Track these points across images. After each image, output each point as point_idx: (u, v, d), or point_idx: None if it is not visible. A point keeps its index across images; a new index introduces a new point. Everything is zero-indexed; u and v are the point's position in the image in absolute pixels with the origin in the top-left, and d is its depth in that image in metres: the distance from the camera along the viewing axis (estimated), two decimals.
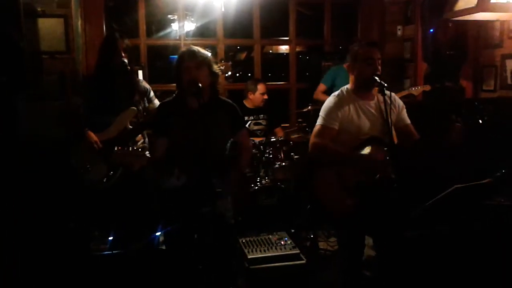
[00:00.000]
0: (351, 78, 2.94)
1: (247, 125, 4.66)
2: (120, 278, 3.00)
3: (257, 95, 4.68)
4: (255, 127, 4.72)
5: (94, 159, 3.30)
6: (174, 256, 2.84)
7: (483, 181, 2.39)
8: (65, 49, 3.98)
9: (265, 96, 4.69)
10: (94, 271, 3.07)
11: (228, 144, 2.90)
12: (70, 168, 3.35)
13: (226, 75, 3.99)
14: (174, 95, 2.92)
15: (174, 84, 2.90)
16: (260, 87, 4.68)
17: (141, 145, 3.56)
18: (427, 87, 4.48)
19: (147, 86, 3.66)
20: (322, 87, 4.72)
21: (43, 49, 3.92)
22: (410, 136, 2.96)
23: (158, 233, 2.84)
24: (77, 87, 3.89)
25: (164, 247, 3.02)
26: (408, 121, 3.00)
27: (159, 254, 3.06)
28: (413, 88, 4.48)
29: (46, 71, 3.92)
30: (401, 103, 3.01)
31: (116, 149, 3.13)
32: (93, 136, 3.31)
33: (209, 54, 2.87)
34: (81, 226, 3.42)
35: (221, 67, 3.76)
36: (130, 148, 3.24)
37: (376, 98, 2.90)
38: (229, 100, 2.99)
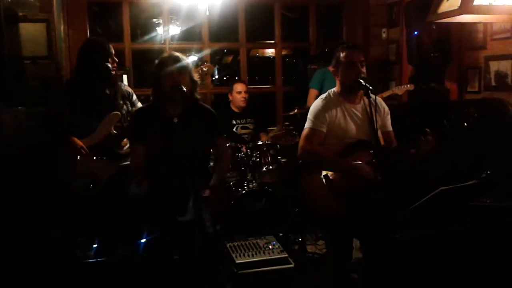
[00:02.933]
0: (337, 81, 2.95)
1: (234, 129, 4.65)
2: (105, 285, 2.97)
3: (234, 94, 4.69)
4: (243, 131, 4.70)
5: (79, 165, 3.26)
6: (155, 264, 2.81)
7: (469, 183, 2.39)
8: (47, 54, 3.93)
9: (243, 95, 4.66)
10: (79, 278, 3.03)
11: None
12: (54, 174, 3.30)
13: (212, 78, 3.98)
14: (151, 100, 2.89)
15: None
16: (236, 87, 4.68)
17: (126, 150, 3.52)
18: (411, 87, 4.51)
19: (129, 89, 3.63)
20: (314, 92, 4.68)
21: (25, 54, 3.86)
22: (389, 143, 3.00)
23: (142, 240, 2.81)
24: (61, 92, 3.83)
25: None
26: (390, 128, 3.03)
27: (144, 261, 3.02)
28: (397, 88, 4.51)
29: (29, 76, 3.87)
30: (386, 108, 3.03)
31: (81, 158, 3.14)
32: (78, 141, 3.26)
33: (195, 59, 2.86)
34: (66, 233, 3.37)
35: (204, 68, 3.75)
36: (99, 157, 3.23)
37: (362, 101, 2.91)
38: (208, 106, 2.99)
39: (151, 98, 2.88)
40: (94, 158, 3.26)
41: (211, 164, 3.40)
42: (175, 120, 2.70)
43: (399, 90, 4.48)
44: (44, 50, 3.91)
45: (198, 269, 2.76)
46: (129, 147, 3.53)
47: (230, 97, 4.74)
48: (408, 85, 4.53)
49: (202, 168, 2.83)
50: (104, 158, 3.30)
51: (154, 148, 2.75)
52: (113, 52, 3.42)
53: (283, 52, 6.21)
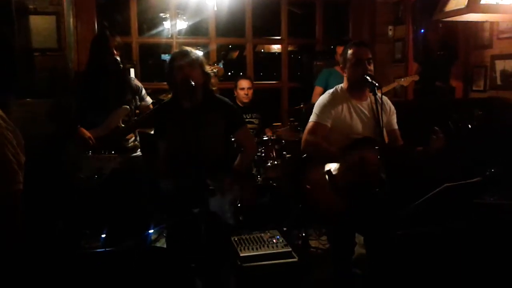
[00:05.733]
0: (345, 78, 2.97)
1: None
2: (112, 276, 3.00)
3: (238, 91, 4.72)
4: (248, 126, 4.72)
5: (86, 156, 3.29)
6: (168, 255, 2.84)
7: (473, 180, 2.41)
8: (56, 46, 3.95)
9: (246, 91, 4.68)
10: (85, 269, 3.06)
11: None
12: (61, 165, 3.33)
13: (221, 79, 4.00)
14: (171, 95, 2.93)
15: (165, 83, 2.91)
16: (240, 83, 4.71)
17: (132, 144, 3.56)
18: (416, 77, 4.51)
19: (139, 84, 3.65)
20: (318, 89, 4.69)
21: (34, 46, 3.89)
22: (394, 141, 3.01)
23: (150, 231, 2.84)
24: (69, 84, 3.87)
25: (156, 245, 3.03)
26: (396, 126, 3.04)
27: (152, 252, 3.06)
28: (403, 79, 4.51)
29: (38, 68, 3.89)
30: (392, 107, 3.05)
31: (88, 149, 3.17)
32: (86, 132, 3.30)
33: (201, 54, 2.88)
34: (72, 224, 3.40)
35: (214, 70, 3.78)
36: (103, 152, 3.26)
37: (369, 98, 2.93)
38: (226, 99, 2.99)
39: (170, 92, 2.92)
40: (102, 151, 3.29)
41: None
42: (190, 113, 2.70)
43: (405, 81, 4.47)
44: (54, 42, 3.93)
45: (203, 261, 2.79)
46: (134, 141, 3.57)
47: (235, 93, 4.77)
48: (413, 76, 4.52)
49: (220, 160, 2.84)
50: (112, 151, 3.33)
51: (172, 141, 2.78)
52: (119, 44, 3.43)
53: (289, 48, 6.22)
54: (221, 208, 2.74)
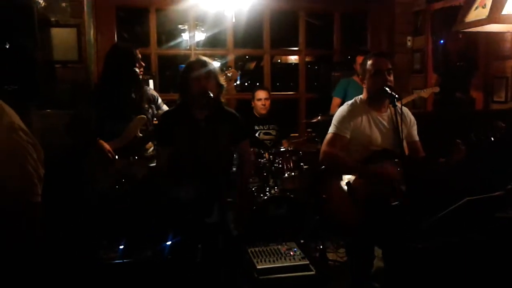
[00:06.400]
0: (364, 89, 2.95)
1: (257, 135, 4.67)
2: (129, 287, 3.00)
3: (256, 102, 4.72)
4: (265, 137, 4.72)
5: (105, 167, 3.32)
6: (179, 266, 2.85)
7: (495, 194, 2.37)
8: (77, 58, 4.02)
9: (263, 102, 4.66)
10: (102, 280, 3.07)
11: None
12: (80, 176, 3.36)
13: (235, 83, 4.00)
14: (177, 104, 2.94)
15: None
16: (257, 94, 4.71)
17: (151, 153, 3.58)
18: (436, 89, 4.48)
19: (155, 93, 3.68)
20: (337, 100, 4.68)
21: (56, 58, 3.96)
22: (416, 153, 2.97)
23: (168, 243, 2.85)
24: (89, 96, 3.92)
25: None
26: (417, 138, 3.00)
27: (169, 264, 3.06)
28: (423, 91, 4.47)
29: (59, 80, 3.96)
30: (412, 118, 3.01)
31: (117, 159, 3.20)
32: (105, 145, 3.33)
33: (218, 64, 2.90)
34: (90, 235, 3.42)
35: (229, 74, 3.79)
36: (131, 158, 3.29)
37: (389, 110, 2.90)
38: (233, 111, 3.03)
39: (177, 101, 2.93)
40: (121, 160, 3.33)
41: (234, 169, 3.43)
42: (202, 123, 2.73)
43: (425, 93, 4.45)
44: (75, 54, 4.00)
45: (218, 272, 2.79)
46: (153, 150, 3.59)
47: (253, 104, 4.78)
48: (433, 88, 4.49)
49: (227, 171, 2.86)
50: (135, 158, 3.36)
51: (181, 150, 2.79)
52: (140, 57, 3.48)
53: (307, 59, 6.22)
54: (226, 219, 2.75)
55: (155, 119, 3.60)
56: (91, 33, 4.30)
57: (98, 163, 3.31)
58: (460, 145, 2.70)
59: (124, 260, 3.08)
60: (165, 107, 3.68)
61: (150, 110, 3.56)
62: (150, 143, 3.55)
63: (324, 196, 2.84)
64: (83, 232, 3.42)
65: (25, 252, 1.75)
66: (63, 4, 3.92)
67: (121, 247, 3.21)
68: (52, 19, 3.91)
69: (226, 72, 3.81)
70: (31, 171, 1.70)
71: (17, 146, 1.69)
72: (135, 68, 3.39)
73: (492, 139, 2.68)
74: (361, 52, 4.53)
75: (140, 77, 3.45)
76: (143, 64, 3.52)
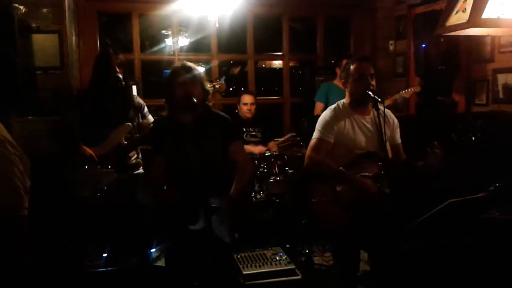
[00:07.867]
0: (347, 93, 2.96)
1: (244, 136, 4.66)
2: None
3: (241, 106, 4.73)
4: (252, 139, 4.73)
5: (88, 174, 3.28)
6: (170, 273, 2.81)
7: (478, 195, 2.39)
8: (59, 64, 3.97)
9: (249, 107, 4.69)
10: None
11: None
12: (63, 183, 3.32)
13: (223, 95, 3.99)
14: (167, 111, 2.92)
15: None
16: (243, 98, 4.73)
17: (134, 161, 3.55)
18: (418, 88, 4.51)
19: (141, 101, 3.66)
20: (319, 105, 4.71)
21: (37, 64, 3.90)
22: (397, 156, 3.00)
23: (152, 250, 2.82)
24: (71, 102, 3.87)
25: (158, 264, 3.00)
26: (399, 141, 3.04)
27: (154, 271, 3.03)
28: (404, 91, 4.49)
29: (40, 86, 3.90)
30: (396, 121, 3.04)
31: (84, 168, 3.16)
32: (88, 150, 3.29)
33: (203, 70, 2.88)
34: (75, 242, 3.38)
35: (217, 86, 3.79)
36: (99, 167, 3.26)
37: (372, 113, 2.92)
38: (222, 113, 2.99)
39: (166, 107, 2.91)
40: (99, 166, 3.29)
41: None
42: (188, 128, 2.68)
43: (406, 93, 4.47)
44: (56, 60, 3.94)
45: (206, 279, 2.76)
46: (136, 158, 3.56)
47: (238, 107, 4.78)
48: (415, 87, 4.52)
49: (218, 176, 2.81)
50: (109, 166, 3.32)
51: (170, 157, 2.77)
52: (124, 62, 3.45)
53: (291, 64, 6.24)
54: (217, 225, 2.70)
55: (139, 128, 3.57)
56: (73, 39, 4.25)
57: (81, 169, 3.27)
58: (436, 149, 2.73)
59: (108, 269, 3.05)
60: (150, 117, 3.66)
61: (136, 118, 3.54)
62: (133, 151, 3.52)
63: (312, 200, 2.84)
64: (68, 239, 3.38)
65: (13, 265, 1.73)
66: (44, 10, 3.87)
67: (105, 255, 3.17)
68: (33, 25, 3.85)
69: (215, 84, 3.80)
70: (18, 184, 1.68)
71: (4, 159, 1.66)
72: (117, 74, 3.36)
73: (473, 138, 2.71)
74: (346, 56, 4.57)
75: (123, 83, 3.41)
76: (119, 70, 3.41)
